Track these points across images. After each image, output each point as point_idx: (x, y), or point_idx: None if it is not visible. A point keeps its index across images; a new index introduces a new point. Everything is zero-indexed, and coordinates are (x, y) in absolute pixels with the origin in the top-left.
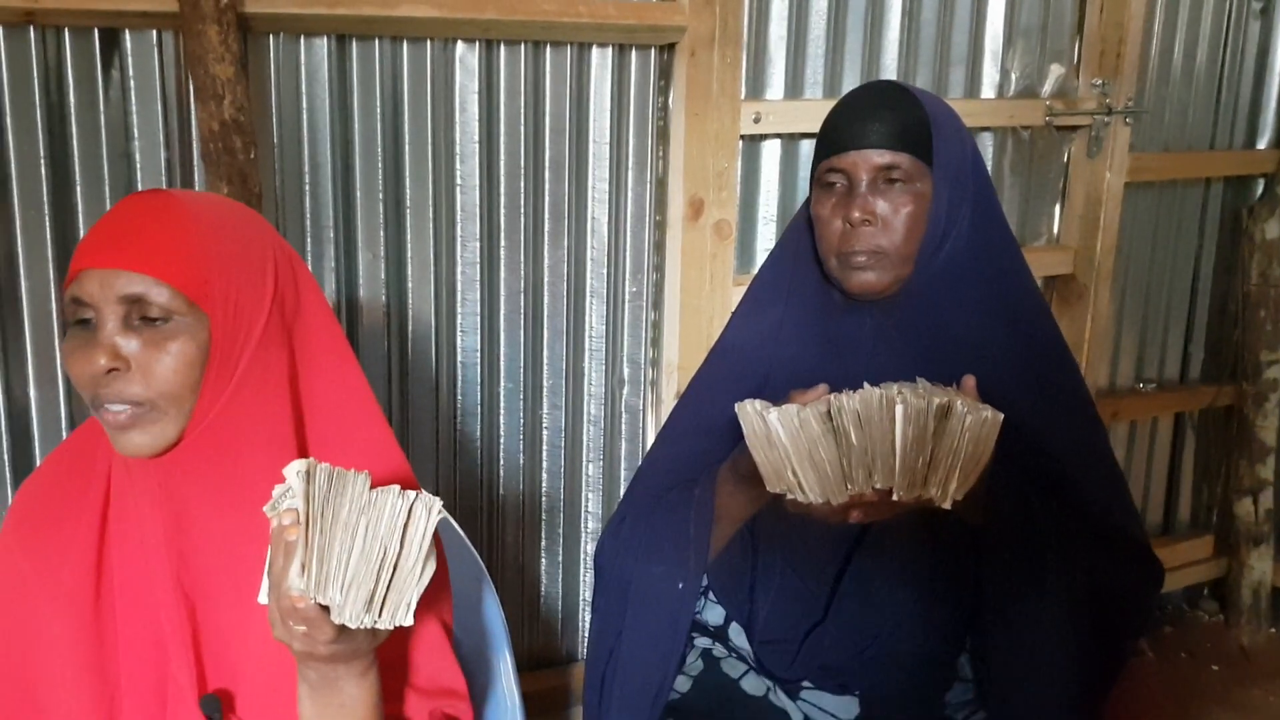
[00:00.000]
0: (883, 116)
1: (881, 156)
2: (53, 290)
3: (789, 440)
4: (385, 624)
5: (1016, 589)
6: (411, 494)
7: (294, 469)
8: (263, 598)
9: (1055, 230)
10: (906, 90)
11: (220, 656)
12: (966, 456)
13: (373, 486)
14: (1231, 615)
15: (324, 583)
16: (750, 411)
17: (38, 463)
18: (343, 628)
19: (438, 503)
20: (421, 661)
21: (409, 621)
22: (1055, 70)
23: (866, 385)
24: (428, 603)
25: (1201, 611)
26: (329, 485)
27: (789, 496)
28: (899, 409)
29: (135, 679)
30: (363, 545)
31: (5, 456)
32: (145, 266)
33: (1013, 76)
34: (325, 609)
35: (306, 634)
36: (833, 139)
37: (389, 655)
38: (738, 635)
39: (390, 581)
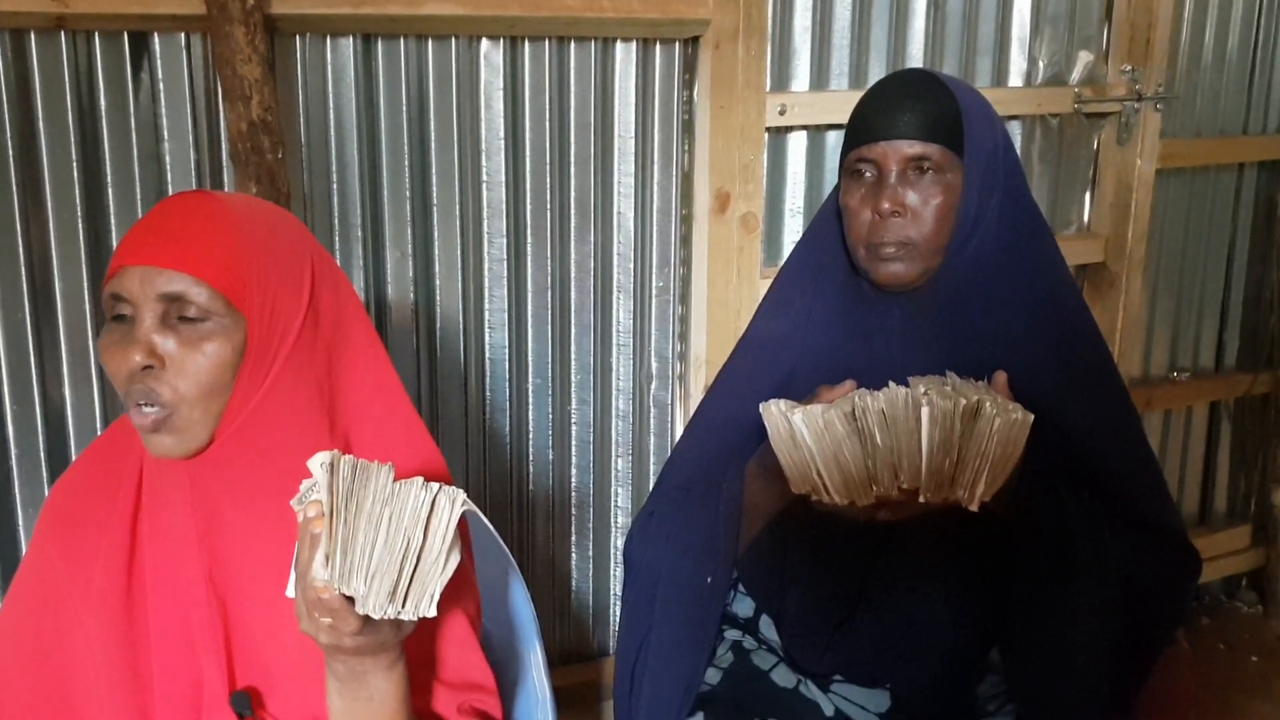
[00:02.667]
0: (913, 106)
1: (912, 147)
2: (86, 291)
3: (814, 441)
4: (409, 615)
5: (1047, 583)
6: (435, 486)
7: (318, 461)
8: (290, 591)
9: (1086, 218)
10: (938, 79)
11: (251, 654)
12: (995, 458)
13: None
14: (1270, 606)
15: (348, 573)
16: (775, 412)
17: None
18: (367, 619)
19: (461, 495)
20: (448, 656)
21: (432, 612)
22: (1084, 57)
23: (892, 385)
24: (453, 597)
25: (1239, 602)
26: (353, 477)
27: (814, 497)
28: (925, 410)
29: (167, 677)
30: (386, 536)
31: (42, 456)
32: (186, 265)
33: (1040, 64)
34: (350, 600)
35: (332, 626)
36: (862, 128)
37: (416, 650)
38: (768, 627)
39: (414, 572)
